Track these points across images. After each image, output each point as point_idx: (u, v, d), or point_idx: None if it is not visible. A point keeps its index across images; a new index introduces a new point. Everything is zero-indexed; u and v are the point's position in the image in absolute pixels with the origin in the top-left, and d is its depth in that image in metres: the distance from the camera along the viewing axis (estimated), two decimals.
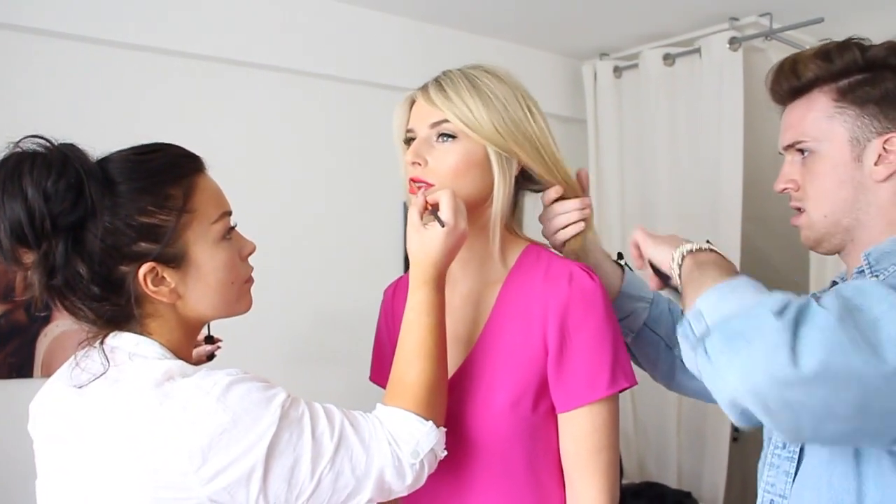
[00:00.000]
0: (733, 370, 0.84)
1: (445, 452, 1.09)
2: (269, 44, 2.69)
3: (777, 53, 3.01)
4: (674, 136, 3.20)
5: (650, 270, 1.21)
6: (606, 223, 3.41)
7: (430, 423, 1.07)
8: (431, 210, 1.16)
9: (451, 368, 1.22)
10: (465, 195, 1.18)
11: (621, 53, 3.42)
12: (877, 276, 1.05)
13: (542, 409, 1.16)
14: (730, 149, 2.98)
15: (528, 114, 1.21)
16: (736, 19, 3.01)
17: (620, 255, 1.44)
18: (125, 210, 1.01)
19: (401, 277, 1.44)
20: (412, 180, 1.20)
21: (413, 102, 1.24)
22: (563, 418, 1.16)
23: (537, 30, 3.16)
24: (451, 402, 1.19)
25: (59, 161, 0.98)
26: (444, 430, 1.09)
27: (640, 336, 1.40)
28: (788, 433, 0.87)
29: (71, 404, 1.03)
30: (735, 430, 3.25)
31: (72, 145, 1.01)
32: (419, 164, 1.19)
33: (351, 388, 1.65)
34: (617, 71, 3.40)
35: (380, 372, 1.40)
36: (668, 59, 3.20)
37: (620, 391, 1.16)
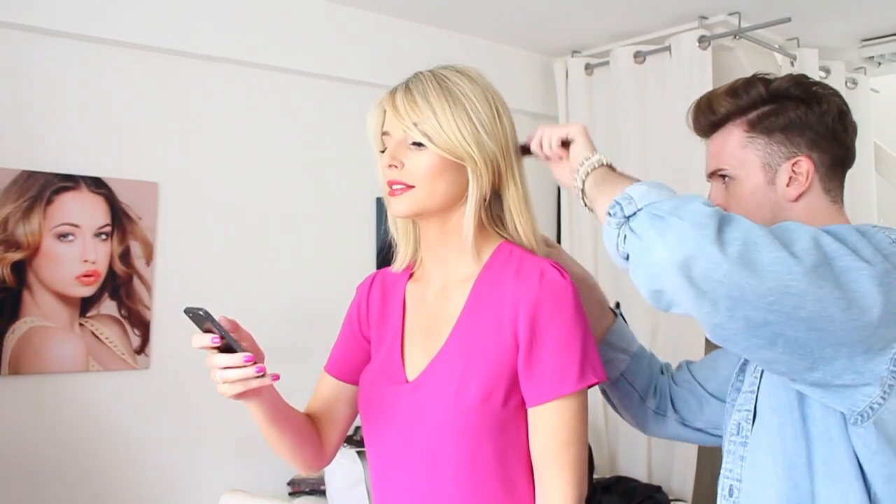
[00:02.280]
0: (664, 242, 0.95)
1: None
2: (243, 40, 2.68)
3: (745, 52, 3.05)
4: (644, 133, 3.22)
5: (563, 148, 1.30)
6: (577, 220, 3.43)
7: None
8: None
9: (423, 362, 1.24)
10: (442, 195, 1.21)
11: (593, 51, 3.44)
12: None
13: (513, 403, 1.17)
14: (700, 146, 3.00)
15: (497, 116, 1.22)
16: (705, 18, 3.04)
17: (618, 305, 1.52)
18: None
19: (375, 273, 1.44)
20: (390, 183, 1.22)
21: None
22: (532, 413, 1.16)
23: (510, 27, 3.17)
24: (423, 396, 1.20)
25: None
26: None
27: (616, 385, 1.47)
28: (706, 314, 0.95)
29: None
30: None
31: None
32: (396, 167, 1.20)
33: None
34: (588, 68, 3.42)
35: (334, 363, 1.40)
36: (639, 56, 3.22)
37: (589, 386, 1.17)
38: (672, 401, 1.45)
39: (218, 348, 1.12)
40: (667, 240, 0.94)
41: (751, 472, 1.13)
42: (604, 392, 1.50)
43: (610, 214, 1.04)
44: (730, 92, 1.23)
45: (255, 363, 1.11)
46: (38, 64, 2.35)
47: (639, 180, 1.10)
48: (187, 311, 1.09)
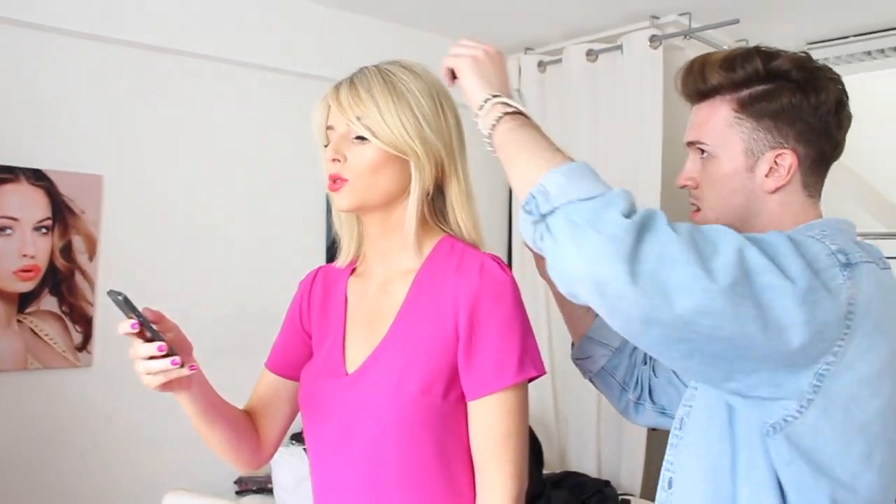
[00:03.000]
0: (579, 255, 0.89)
1: None
2: (191, 31, 2.64)
3: (695, 52, 3.08)
4: (595, 130, 3.25)
5: (449, 76, 1.22)
6: None
7: None
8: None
9: (364, 356, 1.23)
10: (384, 189, 1.21)
11: (546, 48, 3.45)
12: None
13: (452, 397, 1.17)
14: (649, 144, 3.04)
15: (441, 111, 1.23)
16: (657, 18, 3.08)
17: None
18: None
19: (318, 268, 1.43)
20: (332, 177, 1.22)
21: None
22: (472, 406, 1.16)
23: (463, 22, 3.17)
24: (363, 389, 1.20)
25: None
26: None
27: (598, 376, 1.47)
28: (620, 326, 0.92)
29: None
30: None
31: None
32: (338, 161, 1.21)
33: None
34: (541, 65, 3.43)
35: (274, 358, 1.39)
36: (591, 55, 3.24)
37: (529, 380, 1.17)
38: (651, 391, 1.45)
39: (142, 338, 1.10)
40: (582, 253, 0.89)
41: (682, 469, 1.13)
42: (591, 381, 1.50)
43: (525, 210, 0.97)
44: (725, 63, 1.14)
45: (168, 354, 1.08)
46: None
47: (555, 149, 1.03)
48: (110, 294, 1.07)
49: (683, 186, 1.20)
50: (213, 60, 2.72)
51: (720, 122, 1.14)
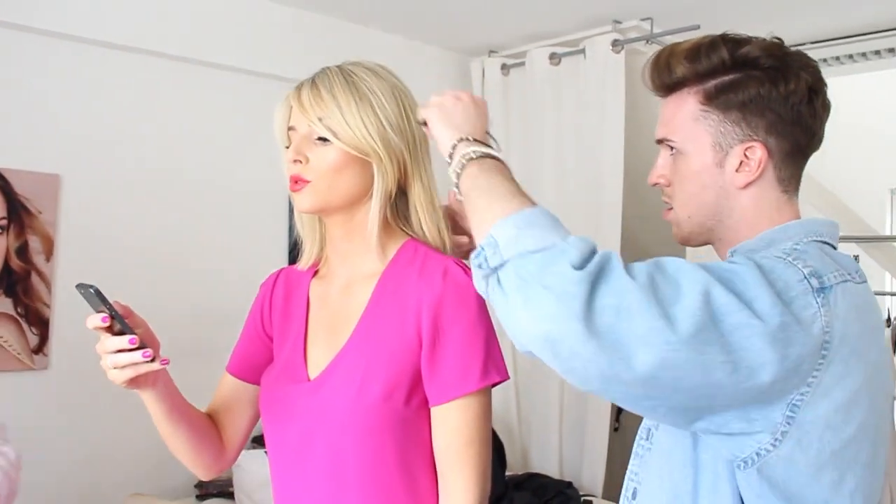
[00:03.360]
0: (527, 313, 0.86)
1: None
2: (151, 29, 2.60)
3: None
4: (559, 134, 3.27)
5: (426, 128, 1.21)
6: None
7: None
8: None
9: (326, 360, 1.22)
10: (346, 191, 1.20)
11: (509, 51, 3.47)
12: None
13: (415, 402, 1.16)
14: (611, 147, 3.07)
15: (404, 113, 1.22)
16: (619, 22, 3.11)
17: None
18: None
19: (279, 271, 1.42)
20: (293, 178, 1.21)
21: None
22: (435, 412, 1.16)
23: (427, 25, 3.17)
24: (325, 394, 1.19)
25: None
26: None
27: None
28: (579, 384, 0.88)
29: None
30: (616, 420, 3.36)
31: None
32: (300, 162, 1.20)
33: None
34: (504, 68, 3.44)
35: (235, 362, 1.38)
36: (554, 58, 3.26)
37: (492, 385, 1.17)
38: None
39: (111, 332, 1.08)
40: (532, 312, 0.85)
41: (646, 484, 1.10)
42: None
43: (475, 263, 0.93)
44: (690, 53, 1.08)
45: (141, 347, 1.07)
46: None
47: (514, 194, 0.99)
48: (79, 287, 1.05)
49: (655, 184, 1.16)
50: (174, 59, 2.69)
51: (687, 116, 1.08)
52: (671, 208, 1.15)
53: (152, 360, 1.08)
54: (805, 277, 0.93)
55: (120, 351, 1.08)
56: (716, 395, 0.87)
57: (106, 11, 2.51)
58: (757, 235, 1.06)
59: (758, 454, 0.92)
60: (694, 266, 0.90)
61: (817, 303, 0.91)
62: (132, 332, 1.08)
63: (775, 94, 1.04)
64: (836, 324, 0.92)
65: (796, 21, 3.10)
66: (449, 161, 1.10)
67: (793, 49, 1.09)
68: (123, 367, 1.08)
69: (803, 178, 1.11)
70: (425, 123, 1.20)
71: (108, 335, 1.08)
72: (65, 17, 2.42)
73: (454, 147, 1.09)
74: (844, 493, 0.94)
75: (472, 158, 1.06)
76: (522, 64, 3.37)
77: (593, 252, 0.89)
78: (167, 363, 1.12)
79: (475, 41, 3.42)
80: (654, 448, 1.09)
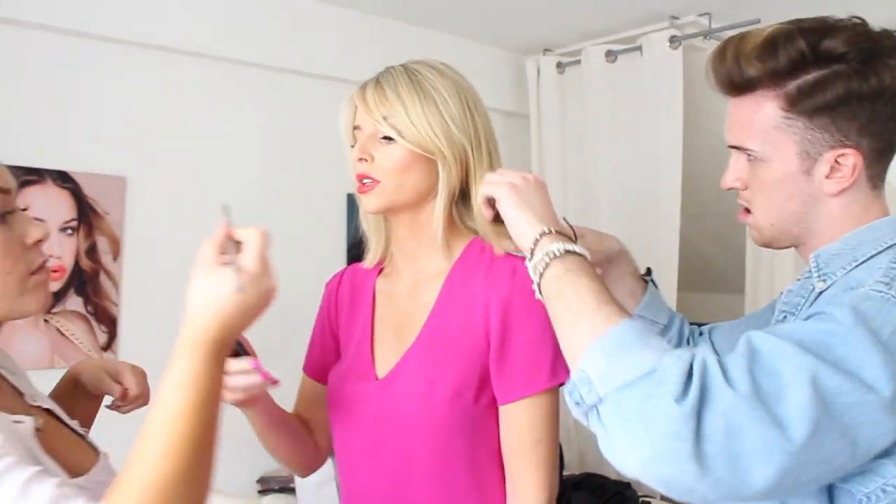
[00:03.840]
0: (633, 453, 0.81)
1: None
2: (216, 34, 2.65)
3: None
4: (615, 132, 3.24)
5: (488, 206, 1.13)
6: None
7: None
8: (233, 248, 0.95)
9: (393, 359, 1.23)
10: (412, 190, 1.20)
11: (564, 49, 3.45)
12: (824, 280, 0.99)
13: (483, 401, 1.17)
14: (669, 146, 3.03)
15: (468, 111, 1.21)
16: (676, 18, 3.06)
17: (649, 271, 1.38)
18: None
19: (344, 269, 1.44)
20: (359, 177, 1.21)
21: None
22: (503, 411, 1.16)
23: (482, 24, 3.17)
24: (393, 393, 1.20)
25: None
26: None
27: None
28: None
29: None
30: None
31: None
32: (365, 160, 1.20)
33: (286, 380, 1.64)
34: (560, 67, 3.43)
35: (312, 363, 1.40)
36: (611, 56, 3.24)
37: (561, 384, 1.16)
38: None
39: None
40: (639, 453, 0.80)
41: None
42: None
43: (572, 401, 0.88)
44: (763, 50, 0.96)
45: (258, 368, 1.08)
46: (2, 55, 2.30)
47: (598, 304, 0.91)
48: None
49: (729, 189, 1.09)
50: (236, 63, 2.73)
51: (766, 123, 0.98)
52: (748, 211, 1.07)
53: (269, 382, 1.09)
54: None
55: (240, 373, 1.07)
56: (839, 470, 0.84)
57: (169, 17, 2.56)
58: (841, 238, 0.99)
59: (884, 490, 0.86)
60: (788, 345, 0.82)
61: None
62: (244, 350, 1.08)
63: (867, 91, 0.93)
64: None
65: (863, 10, 3.01)
66: (529, 255, 1.01)
67: (880, 30, 0.97)
68: (241, 389, 1.09)
69: None
70: (490, 203, 1.12)
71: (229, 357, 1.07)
72: (130, 23, 2.48)
73: (536, 242, 1.00)
74: None
75: (555, 256, 0.97)
76: (578, 62, 3.35)
77: (690, 371, 0.81)
78: (279, 383, 1.11)
79: (530, 39, 3.41)
80: None
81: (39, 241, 0.99)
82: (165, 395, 0.85)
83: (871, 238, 0.97)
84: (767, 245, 1.09)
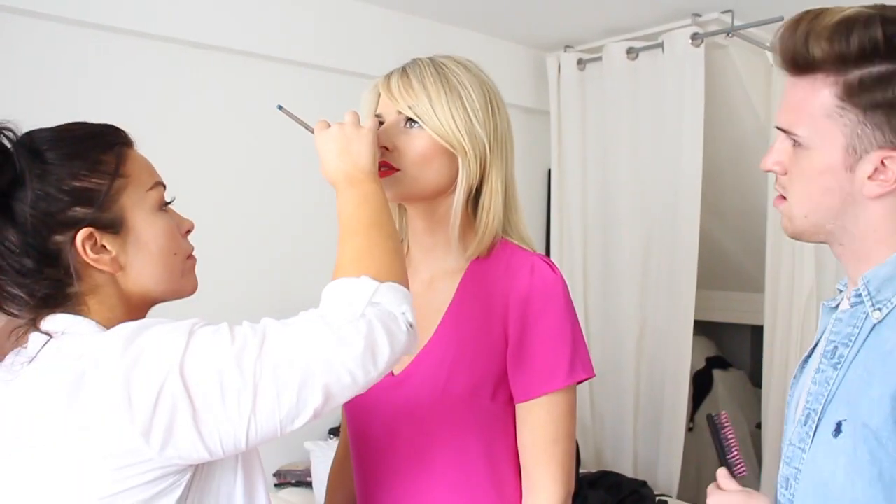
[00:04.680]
0: None
1: (407, 314, 0.96)
2: (232, 27, 2.66)
3: (738, 50, 3.06)
4: (635, 129, 3.22)
5: None
6: (567, 213, 3.43)
7: (364, 277, 0.96)
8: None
9: (410, 356, 1.22)
10: (431, 181, 1.19)
11: (585, 46, 3.44)
12: (879, 309, 0.94)
13: (501, 398, 1.17)
14: (690, 143, 3.02)
15: (491, 110, 1.21)
16: (698, 15, 3.04)
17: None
18: (56, 175, 0.96)
19: None
20: (381, 164, 1.20)
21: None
22: (521, 408, 1.16)
23: (503, 20, 3.16)
24: (409, 390, 1.19)
25: None
26: (393, 284, 0.97)
27: None
28: None
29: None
30: (691, 419, 3.31)
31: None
32: (387, 149, 1.19)
33: None
34: (581, 63, 3.42)
35: None
36: (632, 52, 3.22)
37: (578, 382, 1.17)
38: None
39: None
40: None
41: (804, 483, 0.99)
42: None
43: None
44: (836, 31, 0.90)
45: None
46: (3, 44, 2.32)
47: None
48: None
49: (768, 171, 1.03)
50: (256, 58, 2.74)
51: (819, 109, 0.93)
52: (783, 198, 1.02)
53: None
54: None
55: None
56: None
57: (184, 9, 2.56)
58: (888, 259, 0.94)
59: None
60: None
61: None
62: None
63: None
64: None
65: None
66: None
67: None
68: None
69: None
70: None
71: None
72: (130, 13, 2.47)
73: None
74: None
75: None
76: (599, 59, 3.34)
77: None
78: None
79: (551, 36, 3.40)
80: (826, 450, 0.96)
81: (188, 231, 1.12)
82: (348, 215, 1.09)
83: None
84: (797, 237, 1.03)
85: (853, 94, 0.90)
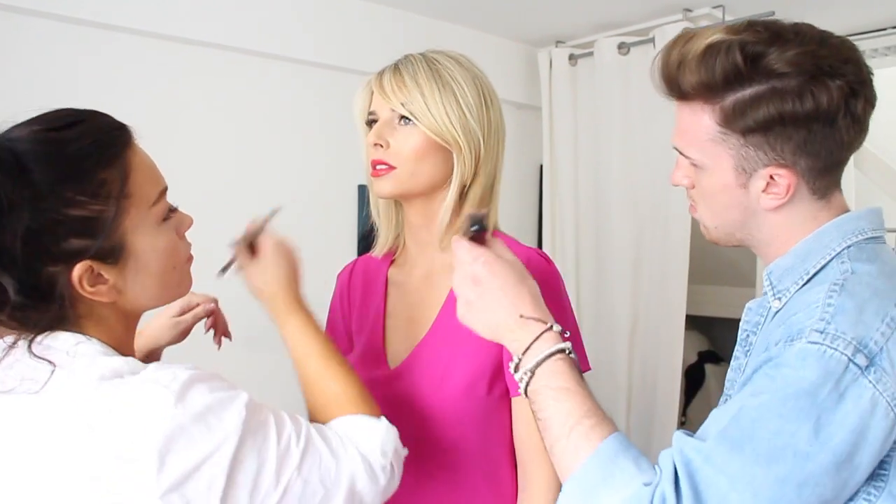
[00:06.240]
0: None
1: (406, 450, 1.05)
2: (223, 23, 2.65)
3: None
4: (627, 124, 3.23)
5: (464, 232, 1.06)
6: (559, 208, 3.44)
7: (384, 419, 1.01)
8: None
9: (405, 350, 1.23)
10: (426, 178, 1.20)
11: (577, 41, 3.44)
12: (779, 298, 1.01)
13: (496, 392, 1.17)
14: None
15: (484, 104, 1.21)
16: (689, 10, 3.05)
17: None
18: (48, 203, 0.85)
19: (355, 260, 1.44)
20: (374, 162, 1.20)
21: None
22: (516, 402, 1.17)
23: (494, 15, 3.16)
24: (405, 384, 1.20)
25: None
26: (395, 428, 1.04)
27: None
28: None
29: None
30: (683, 414, 3.32)
31: None
32: (381, 147, 1.19)
33: None
34: (572, 59, 3.42)
35: None
36: (623, 48, 3.22)
37: None
38: None
39: None
40: None
41: None
42: None
43: None
44: (701, 59, 0.93)
45: None
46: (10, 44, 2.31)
47: (581, 412, 0.92)
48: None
49: (678, 185, 1.08)
50: (247, 53, 2.73)
51: (704, 134, 0.96)
52: (695, 207, 1.08)
53: None
54: (849, 361, 0.85)
55: None
56: None
57: (172, 5, 2.55)
58: (790, 250, 0.99)
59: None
60: (722, 454, 0.85)
61: (870, 382, 0.84)
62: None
63: (802, 112, 0.90)
64: None
65: (882, 3, 2.99)
66: (513, 368, 0.99)
67: (832, 40, 0.95)
68: None
69: (885, 168, 1.05)
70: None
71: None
72: (132, 11, 2.46)
73: (520, 359, 0.97)
74: None
75: (539, 363, 0.95)
76: (591, 54, 3.34)
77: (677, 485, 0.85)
78: None
79: (542, 32, 3.40)
80: None
81: (187, 229, 1.06)
82: (302, 349, 1.09)
83: (818, 246, 0.97)
84: (715, 243, 1.09)
85: (730, 121, 0.93)
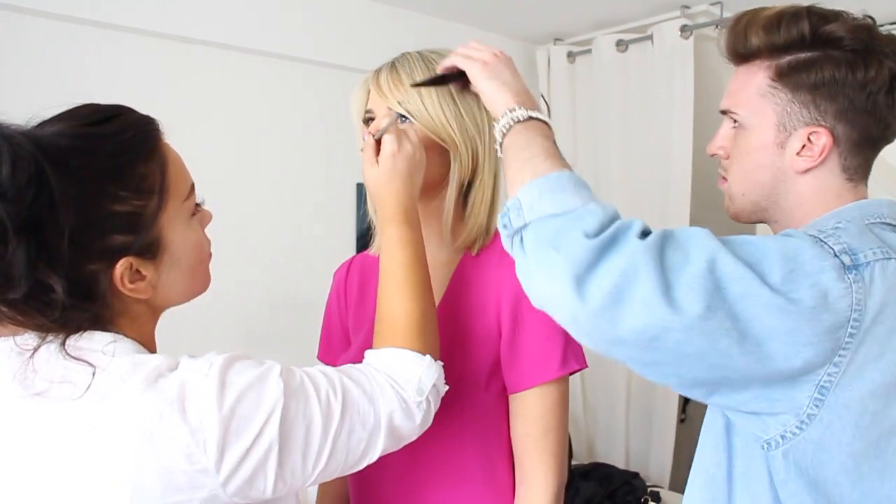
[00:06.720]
0: (539, 274, 0.88)
1: (447, 387, 1.06)
2: (221, 22, 2.65)
3: None
4: (626, 121, 3.23)
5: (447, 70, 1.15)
6: None
7: (428, 357, 1.02)
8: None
9: None
10: (425, 176, 1.18)
11: (575, 39, 3.44)
12: None
13: (494, 389, 1.17)
14: (680, 135, 3.02)
15: (481, 104, 1.20)
16: (687, 7, 3.05)
17: None
18: (94, 199, 0.84)
19: (352, 258, 1.44)
20: None
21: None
22: (513, 399, 1.17)
23: (492, 13, 3.16)
24: None
25: (6, 146, 0.79)
26: (441, 363, 1.05)
27: None
28: (587, 345, 0.91)
29: (19, 414, 0.85)
30: (683, 411, 3.32)
31: (4, 124, 0.82)
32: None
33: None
34: (570, 56, 3.42)
35: (327, 351, 1.40)
36: (621, 45, 3.23)
37: (571, 373, 1.17)
38: None
39: None
40: (542, 273, 0.87)
41: (693, 469, 1.10)
42: None
43: (501, 223, 0.96)
44: (769, 23, 1.01)
45: None
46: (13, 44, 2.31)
47: (548, 156, 0.99)
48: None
49: (714, 154, 1.14)
50: (244, 52, 2.73)
51: (754, 90, 1.03)
52: (725, 179, 1.13)
53: None
54: (835, 255, 0.89)
55: None
56: (727, 366, 0.86)
57: (175, 5, 2.55)
58: (811, 223, 1.02)
59: (783, 437, 0.90)
60: (706, 234, 0.90)
61: (848, 279, 0.87)
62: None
63: (851, 80, 0.98)
64: (871, 302, 0.87)
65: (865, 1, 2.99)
66: (496, 120, 1.07)
67: (885, 33, 1.01)
68: None
69: (886, 168, 1.07)
70: (458, 73, 1.14)
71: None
72: (135, 11, 2.47)
73: (511, 111, 1.05)
74: (887, 490, 0.89)
75: (519, 121, 1.04)
76: (589, 51, 3.34)
77: (612, 220, 0.89)
78: None
79: (540, 29, 3.40)
80: (701, 436, 1.09)
81: (207, 223, 1.07)
82: (388, 261, 1.08)
83: (834, 221, 0.99)
84: (736, 217, 1.13)
85: (783, 76, 1.01)
